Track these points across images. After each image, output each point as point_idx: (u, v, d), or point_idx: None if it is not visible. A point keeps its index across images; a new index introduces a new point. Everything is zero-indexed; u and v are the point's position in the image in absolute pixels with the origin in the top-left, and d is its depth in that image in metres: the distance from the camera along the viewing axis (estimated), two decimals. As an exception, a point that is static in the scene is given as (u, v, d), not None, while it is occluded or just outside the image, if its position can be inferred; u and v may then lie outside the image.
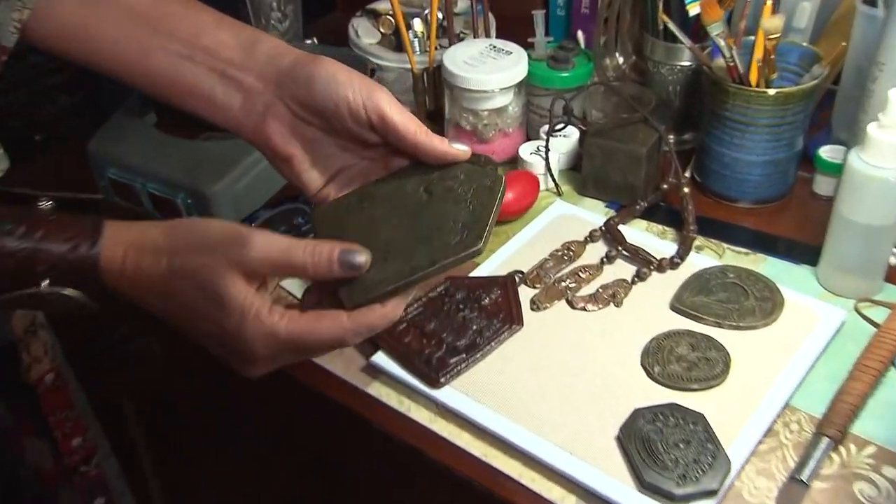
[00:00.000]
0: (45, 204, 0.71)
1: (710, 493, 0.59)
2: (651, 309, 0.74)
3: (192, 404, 0.97)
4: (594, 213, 0.85)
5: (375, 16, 1.01)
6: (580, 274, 0.78)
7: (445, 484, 0.64)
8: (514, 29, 0.95)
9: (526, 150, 0.90)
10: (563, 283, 0.77)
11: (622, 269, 0.78)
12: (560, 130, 0.89)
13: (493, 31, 1.00)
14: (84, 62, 0.63)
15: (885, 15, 0.78)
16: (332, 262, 0.52)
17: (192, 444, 1.05)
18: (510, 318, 0.72)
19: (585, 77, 0.92)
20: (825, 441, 0.62)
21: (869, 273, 0.75)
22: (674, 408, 0.64)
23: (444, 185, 0.58)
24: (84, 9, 0.62)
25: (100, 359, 1.01)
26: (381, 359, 0.70)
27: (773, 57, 0.79)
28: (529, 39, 0.94)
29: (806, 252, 0.78)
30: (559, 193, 0.89)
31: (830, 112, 0.90)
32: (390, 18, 0.97)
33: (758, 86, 0.79)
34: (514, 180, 0.85)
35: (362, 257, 0.53)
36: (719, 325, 0.72)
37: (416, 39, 0.96)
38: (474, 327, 0.71)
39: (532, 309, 0.75)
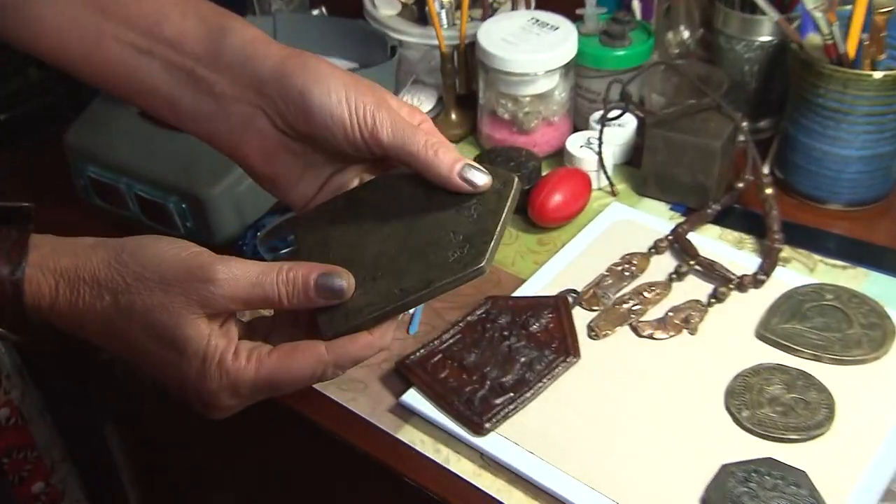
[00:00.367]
0: None
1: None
2: (733, 337, 0.69)
3: (182, 444, 0.94)
4: (657, 218, 0.79)
5: (395, -19, 0.95)
6: (645, 294, 0.72)
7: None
8: (559, -2, 0.91)
9: (574, 143, 0.84)
10: (626, 305, 0.71)
11: (695, 288, 0.73)
12: (615, 119, 0.83)
13: (533, 1, 0.95)
14: (25, 50, 0.56)
15: None
16: (309, 289, 0.50)
17: (183, 487, 1.02)
18: (565, 348, 0.67)
19: (644, 55, 0.87)
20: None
21: None
22: (771, 464, 0.59)
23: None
24: None
25: (80, 385, 0.97)
26: (412, 398, 0.65)
27: (883, 35, 0.72)
28: (578, 11, 0.89)
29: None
30: (614, 194, 0.83)
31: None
32: (413, -15, 0.92)
33: (862, 67, 0.73)
34: (561, 179, 0.79)
35: (343, 281, 0.50)
36: (818, 359, 0.66)
37: (444, 10, 0.90)
38: (522, 359, 0.66)
39: (590, 337, 0.70)
